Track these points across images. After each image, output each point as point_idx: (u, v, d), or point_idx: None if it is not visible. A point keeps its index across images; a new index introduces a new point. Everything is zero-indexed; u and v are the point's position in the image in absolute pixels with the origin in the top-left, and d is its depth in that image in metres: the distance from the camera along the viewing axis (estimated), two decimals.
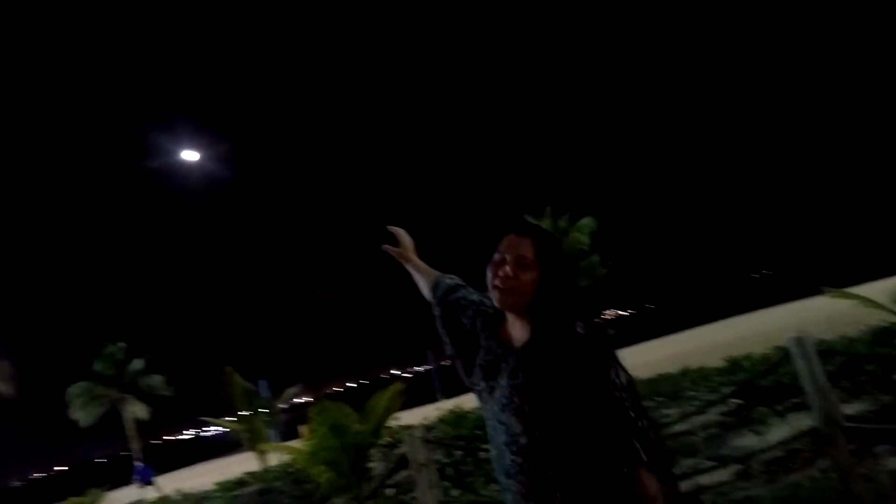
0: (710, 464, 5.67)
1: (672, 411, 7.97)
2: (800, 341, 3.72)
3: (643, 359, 18.78)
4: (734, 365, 8.55)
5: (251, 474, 11.39)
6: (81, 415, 38.26)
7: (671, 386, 9.77)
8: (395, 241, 2.37)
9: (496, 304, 1.89)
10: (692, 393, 8.52)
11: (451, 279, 2.23)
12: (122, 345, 40.73)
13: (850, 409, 5.76)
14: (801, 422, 4.87)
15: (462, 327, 2.07)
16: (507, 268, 1.85)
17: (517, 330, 1.88)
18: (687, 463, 5.86)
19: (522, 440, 1.76)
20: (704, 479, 5.37)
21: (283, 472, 9.98)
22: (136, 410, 39.54)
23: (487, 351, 1.94)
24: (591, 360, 1.73)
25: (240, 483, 10.85)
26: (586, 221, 29.07)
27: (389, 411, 7.31)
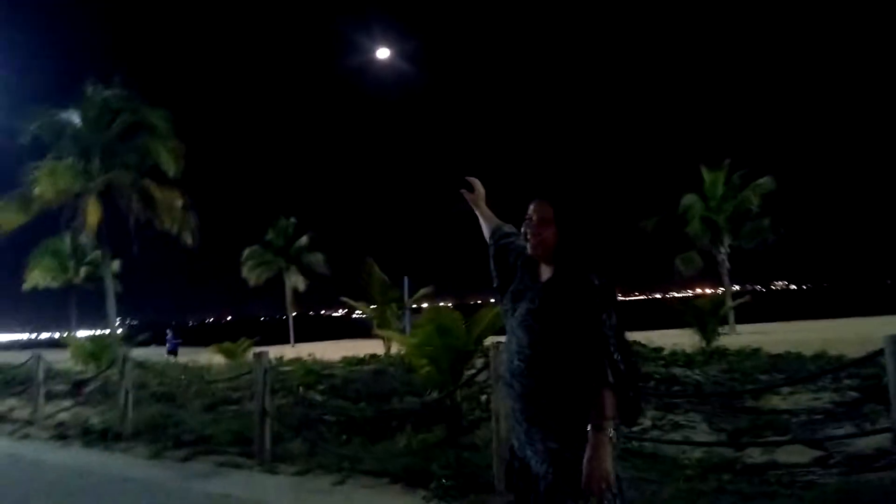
0: (796, 446, 5.55)
1: (786, 389, 7.68)
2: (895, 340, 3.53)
3: (794, 336, 17.69)
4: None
5: (373, 356, 12.39)
6: (251, 275, 42.77)
7: (796, 365, 9.36)
8: (471, 189, 2.93)
9: (529, 251, 2.44)
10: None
11: (508, 227, 2.78)
12: (293, 220, 44.57)
13: None
14: None
15: (507, 264, 2.62)
16: (534, 225, 2.38)
17: (544, 271, 2.41)
18: (774, 440, 5.75)
19: (528, 350, 2.28)
20: (782, 457, 5.28)
21: (399, 359, 10.79)
22: (297, 281, 43.51)
23: (520, 282, 2.49)
24: (594, 302, 2.20)
25: (360, 361, 11.88)
26: (763, 181, 27.12)
27: (494, 324, 7.67)
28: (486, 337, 7.83)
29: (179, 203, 21.83)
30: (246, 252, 43.39)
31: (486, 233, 2.82)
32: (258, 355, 7.47)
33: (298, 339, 39.06)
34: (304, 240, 43.89)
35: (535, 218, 2.40)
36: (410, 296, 17.32)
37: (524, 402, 2.29)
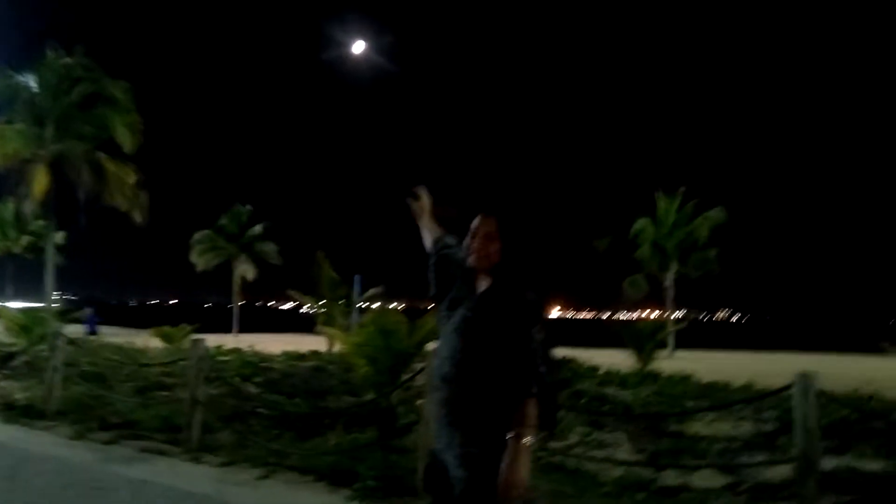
0: (711, 471, 5.77)
1: (710, 416, 7.94)
2: (804, 378, 3.72)
3: (728, 365, 18.20)
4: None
5: (314, 353, 12.32)
6: (199, 260, 41.96)
7: (722, 394, 9.70)
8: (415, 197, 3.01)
9: (470, 263, 2.52)
10: (739, 407, 8.43)
11: (449, 238, 2.86)
12: (249, 207, 43.94)
13: (836, 461, 5.71)
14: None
15: (447, 273, 2.70)
16: (479, 239, 2.48)
17: (481, 282, 2.51)
18: (691, 464, 5.95)
19: (458, 356, 2.36)
20: (697, 481, 5.48)
21: (340, 358, 10.77)
22: (246, 270, 42.84)
23: (458, 291, 2.57)
24: (526, 316, 2.32)
25: (301, 357, 11.81)
26: (714, 213, 27.92)
27: (438, 331, 7.75)
28: (427, 342, 7.90)
29: (132, 179, 21.37)
30: (196, 236, 42.53)
31: (428, 242, 2.90)
32: (195, 342, 7.39)
33: (243, 329, 38.39)
34: (258, 228, 43.30)
35: (480, 232, 2.49)
36: (361, 295, 17.28)
37: (449, 407, 2.36)
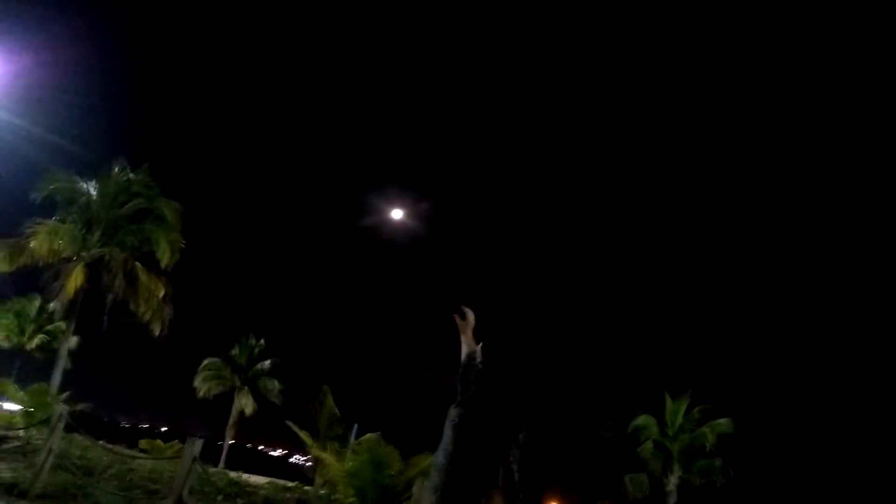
0: None
1: None
2: None
3: None
4: None
5: (300, 485, 12.17)
6: (202, 386, 41.50)
7: None
8: (463, 315, 3.40)
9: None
10: None
11: (479, 354, 3.20)
12: (262, 342, 44.18)
13: None
14: None
15: (469, 382, 3.01)
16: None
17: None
18: None
19: (450, 447, 2.67)
20: None
21: (326, 494, 10.66)
22: (246, 404, 42.18)
23: (469, 394, 2.90)
24: (511, 417, 2.65)
25: (286, 488, 11.67)
26: (722, 422, 27.50)
27: (429, 470, 7.80)
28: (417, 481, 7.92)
29: (161, 292, 22.11)
30: (205, 362, 42.51)
31: (463, 353, 3.23)
32: (190, 439, 7.53)
33: (229, 466, 37.16)
34: (266, 364, 43.22)
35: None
36: (357, 441, 17.03)
37: (439, 493, 2.61)
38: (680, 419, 28.65)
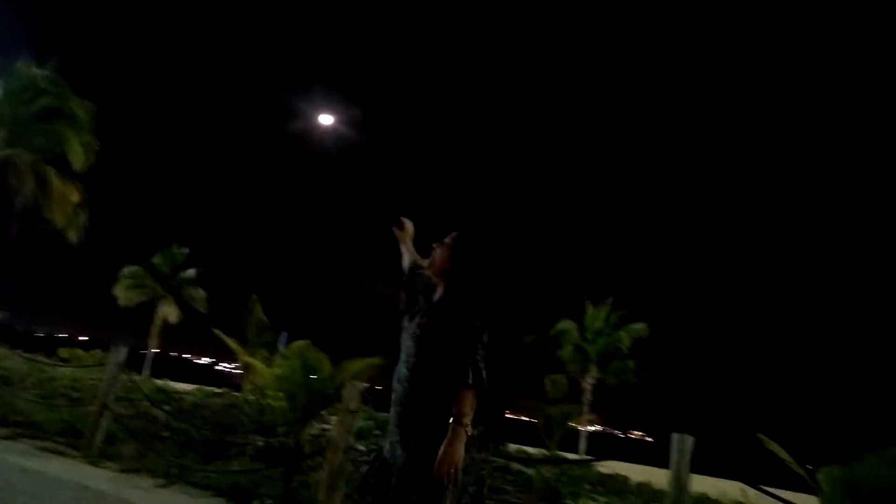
0: None
1: (602, 499, 8.33)
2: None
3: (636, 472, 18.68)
4: None
5: (229, 391, 12.24)
6: (123, 295, 40.41)
7: (620, 486, 10.13)
8: (401, 226, 3.36)
9: (427, 270, 2.95)
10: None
11: (422, 261, 3.17)
12: (185, 250, 43.05)
13: None
14: None
15: (414, 289, 3.02)
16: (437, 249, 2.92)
17: (437, 293, 2.86)
18: None
19: (413, 359, 2.68)
20: None
21: (255, 399, 10.76)
22: (170, 312, 41.48)
23: (417, 302, 2.91)
24: (470, 319, 2.65)
25: (216, 394, 11.72)
26: (638, 326, 29.07)
27: (360, 375, 7.96)
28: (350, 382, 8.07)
29: (75, 197, 21.05)
30: (125, 270, 41.26)
31: (405, 264, 3.23)
32: (115, 346, 7.42)
33: (154, 375, 36.83)
34: (191, 272, 42.30)
35: (438, 252, 2.91)
36: (285, 348, 17.12)
37: (402, 406, 2.62)
38: (599, 324, 30.05)
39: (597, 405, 29.74)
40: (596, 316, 30.08)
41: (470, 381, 2.48)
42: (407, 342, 2.73)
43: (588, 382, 29.65)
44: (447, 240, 2.92)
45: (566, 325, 29.81)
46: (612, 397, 30.43)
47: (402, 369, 2.68)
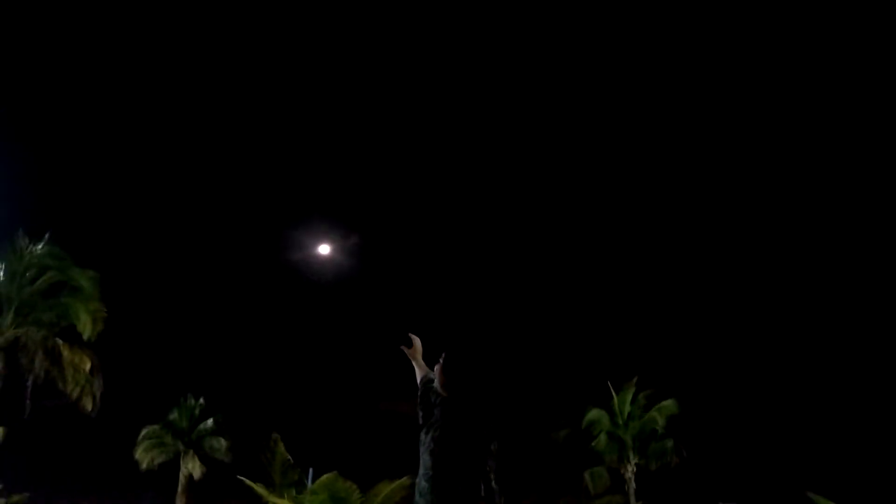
0: None
1: None
2: None
3: None
4: None
5: None
6: (144, 457, 39.49)
7: None
8: (409, 344, 3.53)
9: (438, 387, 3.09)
10: None
11: (432, 375, 3.31)
12: (201, 401, 42.52)
13: None
14: None
15: (428, 403, 3.15)
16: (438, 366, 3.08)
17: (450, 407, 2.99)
18: None
19: (431, 472, 2.79)
20: None
21: None
22: (193, 468, 40.42)
23: (432, 417, 3.04)
24: (483, 433, 2.79)
25: None
26: (667, 403, 28.34)
27: (391, 498, 7.80)
28: None
29: (87, 366, 21.15)
30: (144, 431, 40.49)
31: (418, 378, 3.36)
32: None
33: None
34: (209, 423, 41.53)
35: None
36: (314, 484, 16.68)
37: None
38: (628, 407, 29.34)
39: (641, 492, 28.52)
40: (623, 400, 29.42)
41: (482, 494, 2.63)
42: (424, 456, 2.84)
43: (630, 470, 28.58)
44: (441, 359, 3.08)
45: (595, 413, 29.10)
46: (655, 481, 29.24)
47: (422, 483, 2.77)
